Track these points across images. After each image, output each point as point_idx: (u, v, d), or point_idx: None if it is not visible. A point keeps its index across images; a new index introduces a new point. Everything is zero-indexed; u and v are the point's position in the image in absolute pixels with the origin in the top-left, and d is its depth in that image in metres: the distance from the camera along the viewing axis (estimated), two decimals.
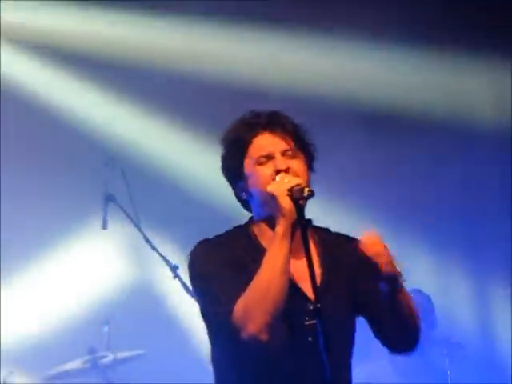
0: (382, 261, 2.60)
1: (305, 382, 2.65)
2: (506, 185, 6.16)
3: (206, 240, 2.77)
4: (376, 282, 2.65)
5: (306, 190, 2.60)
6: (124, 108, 6.06)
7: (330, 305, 2.63)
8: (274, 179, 2.66)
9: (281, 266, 2.57)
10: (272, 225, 2.67)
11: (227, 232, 2.81)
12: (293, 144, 2.74)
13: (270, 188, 2.63)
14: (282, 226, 2.59)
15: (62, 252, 5.89)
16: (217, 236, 2.79)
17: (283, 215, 2.59)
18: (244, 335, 2.54)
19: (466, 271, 6.22)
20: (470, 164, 6.17)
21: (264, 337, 2.54)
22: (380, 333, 2.79)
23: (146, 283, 5.92)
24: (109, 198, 5.01)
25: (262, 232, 2.77)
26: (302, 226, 2.61)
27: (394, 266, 2.62)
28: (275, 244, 2.59)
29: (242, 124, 2.78)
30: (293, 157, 2.72)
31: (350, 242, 2.78)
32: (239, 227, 2.82)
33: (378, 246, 2.62)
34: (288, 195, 2.59)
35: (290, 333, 2.63)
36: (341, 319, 2.72)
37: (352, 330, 2.79)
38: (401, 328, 2.72)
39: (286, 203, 2.59)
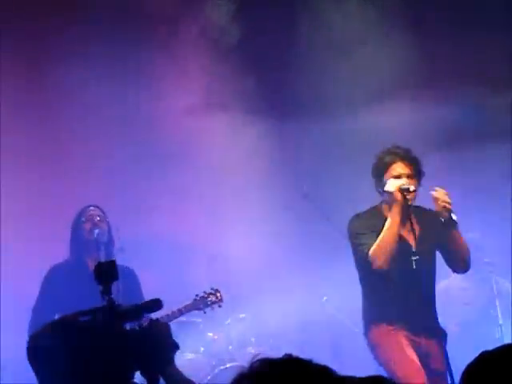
0: (439, 203, 4.90)
1: (408, 291, 4.99)
2: None
3: (357, 215, 5.18)
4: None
5: (411, 187, 4.90)
6: None
7: (423, 249, 5.01)
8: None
9: (396, 229, 4.97)
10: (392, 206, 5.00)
11: (369, 209, 5.21)
12: (412, 171, 5.02)
13: (390, 188, 4.94)
14: (396, 207, 4.97)
15: None
16: (363, 212, 5.21)
17: (396, 201, 4.91)
18: (374, 266, 4.92)
19: None
20: None
21: (386, 267, 4.93)
22: (447, 261, 5.14)
23: None
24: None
25: (386, 209, 5.11)
26: (406, 207, 4.94)
27: (447, 210, 4.90)
28: (392, 217, 4.98)
29: (388, 151, 5.09)
30: (412, 178, 4.99)
31: (430, 211, 5.11)
32: (375, 207, 5.20)
33: (438, 193, 4.93)
34: (399, 191, 4.85)
35: (403, 263, 4.99)
36: (429, 257, 5.08)
37: (435, 263, 5.13)
38: (456, 256, 5.07)
39: (397, 195, 4.91)
